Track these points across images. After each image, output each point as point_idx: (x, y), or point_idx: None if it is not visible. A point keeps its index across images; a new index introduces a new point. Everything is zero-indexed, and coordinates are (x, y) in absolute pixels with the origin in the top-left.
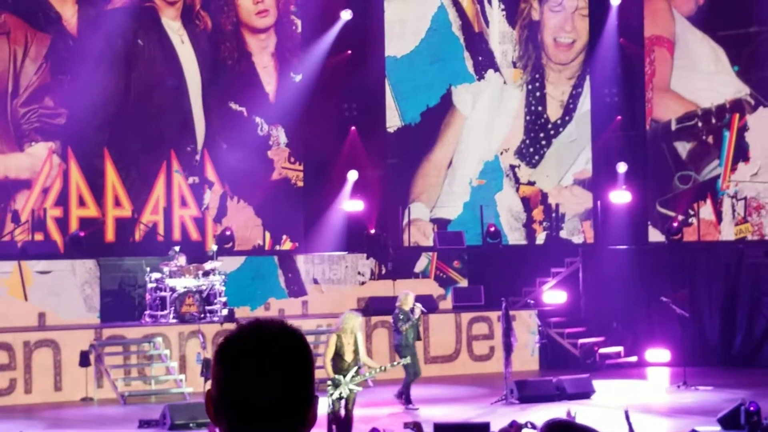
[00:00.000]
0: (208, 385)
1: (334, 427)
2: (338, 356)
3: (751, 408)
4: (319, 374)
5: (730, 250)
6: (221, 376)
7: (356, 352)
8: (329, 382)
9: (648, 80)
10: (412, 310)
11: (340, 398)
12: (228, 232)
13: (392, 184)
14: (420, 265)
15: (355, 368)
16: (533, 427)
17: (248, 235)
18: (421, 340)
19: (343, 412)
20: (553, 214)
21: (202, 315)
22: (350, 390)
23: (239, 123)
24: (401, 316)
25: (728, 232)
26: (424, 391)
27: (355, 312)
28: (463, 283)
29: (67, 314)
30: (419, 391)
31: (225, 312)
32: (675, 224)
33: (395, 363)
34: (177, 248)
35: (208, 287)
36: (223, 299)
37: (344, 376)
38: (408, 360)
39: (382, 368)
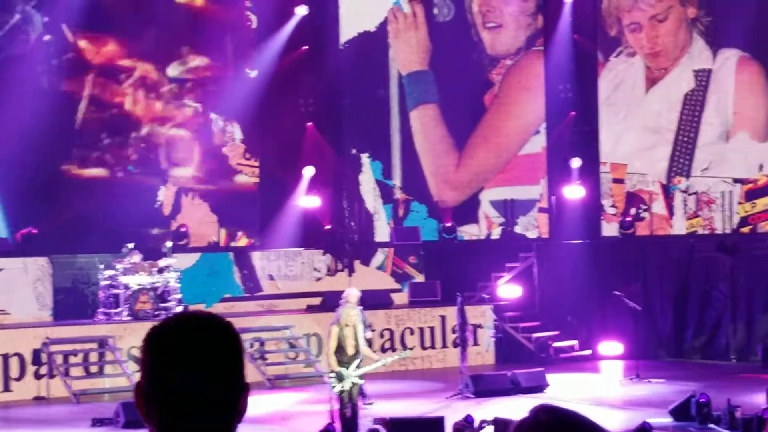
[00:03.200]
0: None
1: (337, 421)
2: (340, 349)
3: (702, 399)
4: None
5: (681, 244)
6: (150, 366)
7: (357, 344)
8: (333, 376)
9: None
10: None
11: (342, 391)
12: (183, 229)
13: (351, 180)
14: (376, 261)
15: (358, 361)
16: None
17: (203, 231)
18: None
19: (348, 405)
20: (508, 209)
21: (157, 312)
22: (353, 383)
23: (195, 119)
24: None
25: (680, 227)
26: (380, 386)
27: (351, 304)
28: (420, 278)
29: (19, 312)
30: (375, 387)
31: (179, 309)
32: (628, 219)
33: (396, 356)
34: (131, 245)
35: (162, 284)
36: (178, 296)
37: (347, 369)
38: (409, 353)
39: (384, 362)
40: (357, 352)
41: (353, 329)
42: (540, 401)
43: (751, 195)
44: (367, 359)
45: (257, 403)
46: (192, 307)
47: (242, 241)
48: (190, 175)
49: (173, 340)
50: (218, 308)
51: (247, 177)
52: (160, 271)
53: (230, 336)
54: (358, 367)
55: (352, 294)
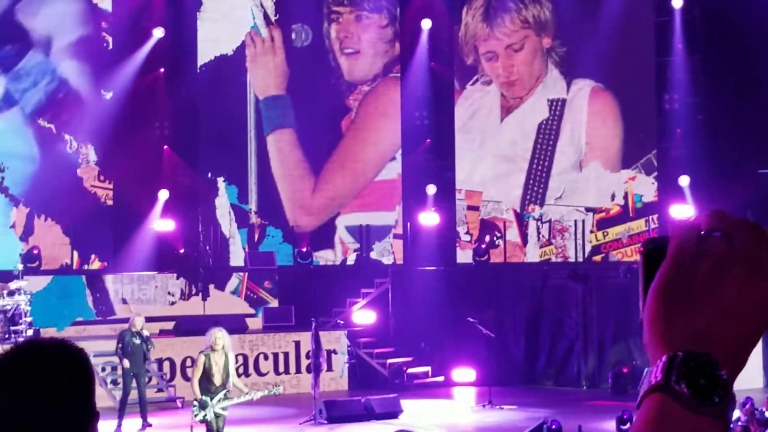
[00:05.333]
0: None
1: None
2: (206, 377)
3: (553, 426)
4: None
5: (534, 271)
6: None
7: (226, 373)
8: (195, 403)
9: None
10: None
11: (204, 421)
12: (35, 251)
13: (206, 204)
14: (231, 285)
15: (224, 391)
16: None
17: (56, 254)
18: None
19: None
20: (364, 235)
21: (7, 336)
22: (216, 414)
23: (48, 140)
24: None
25: (533, 254)
26: (233, 412)
27: (219, 328)
28: (274, 303)
29: None
30: (229, 413)
31: (30, 332)
32: (482, 246)
33: (266, 391)
34: None
35: (13, 307)
36: (29, 319)
37: (211, 399)
38: (281, 390)
39: (252, 396)
40: (226, 382)
41: (223, 356)
42: (394, 427)
43: (603, 224)
44: (236, 390)
45: (108, 429)
46: (43, 331)
47: (95, 264)
48: (44, 196)
49: (15, 371)
50: (70, 332)
51: (101, 199)
52: (11, 293)
53: (75, 362)
54: (226, 397)
55: (137, 320)
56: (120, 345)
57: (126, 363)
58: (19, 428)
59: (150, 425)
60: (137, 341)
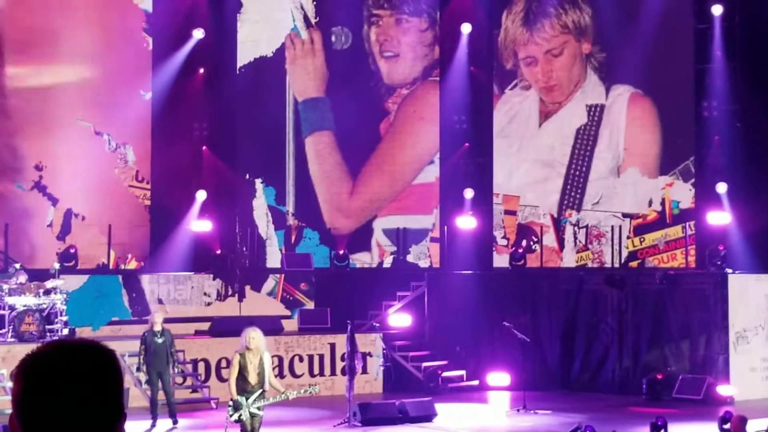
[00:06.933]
0: None
1: None
2: (241, 376)
3: (587, 431)
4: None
5: (570, 276)
6: (20, 395)
7: (262, 373)
8: (230, 404)
9: None
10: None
11: (239, 421)
12: (72, 250)
13: (244, 205)
14: (267, 287)
15: (260, 391)
16: None
17: (92, 253)
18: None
19: None
20: (401, 238)
21: (42, 334)
22: (252, 414)
23: (86, 139)
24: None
25: (570, 259)
26: (267, 413)
27: (254, 327)
28: (310, 305)
29: None
30: (266, 413)
31: (66, 331)
32: (519, 251)
33: (302, 390)
34: (17, 265)
35: (48, 306)
36: (64, 318)
37: (246, 399)
38: (317, 390)
39: (287, 396)
40: (262, 382)
41: (258, 355)
42: (428, 431)
43: (640, 230)
44: (272, 390)
45: (142, 428)
46: (79, 330)
47: (132, 264)
48: (81, 196)
49: (44, 367)
50: (105, 331)
51: (139, 199)
52: (47, 292)
53: (105, 362)
54: (261, 397)
55: (157, 317)
56: (143, 346)
57: (142, 375)
58: (46, 428)
59: (176, 421)
60: (159, 340)
